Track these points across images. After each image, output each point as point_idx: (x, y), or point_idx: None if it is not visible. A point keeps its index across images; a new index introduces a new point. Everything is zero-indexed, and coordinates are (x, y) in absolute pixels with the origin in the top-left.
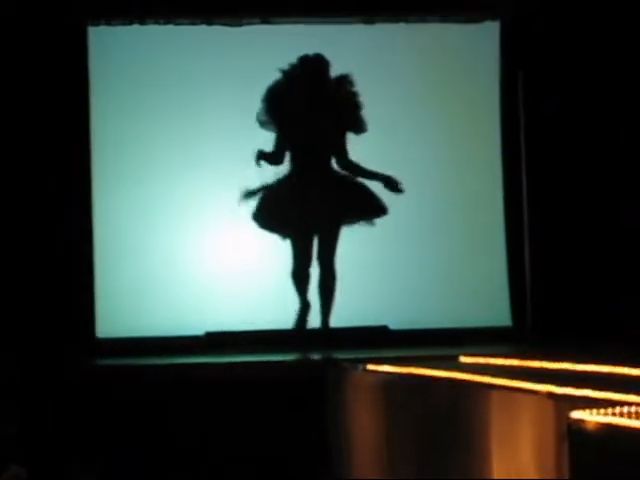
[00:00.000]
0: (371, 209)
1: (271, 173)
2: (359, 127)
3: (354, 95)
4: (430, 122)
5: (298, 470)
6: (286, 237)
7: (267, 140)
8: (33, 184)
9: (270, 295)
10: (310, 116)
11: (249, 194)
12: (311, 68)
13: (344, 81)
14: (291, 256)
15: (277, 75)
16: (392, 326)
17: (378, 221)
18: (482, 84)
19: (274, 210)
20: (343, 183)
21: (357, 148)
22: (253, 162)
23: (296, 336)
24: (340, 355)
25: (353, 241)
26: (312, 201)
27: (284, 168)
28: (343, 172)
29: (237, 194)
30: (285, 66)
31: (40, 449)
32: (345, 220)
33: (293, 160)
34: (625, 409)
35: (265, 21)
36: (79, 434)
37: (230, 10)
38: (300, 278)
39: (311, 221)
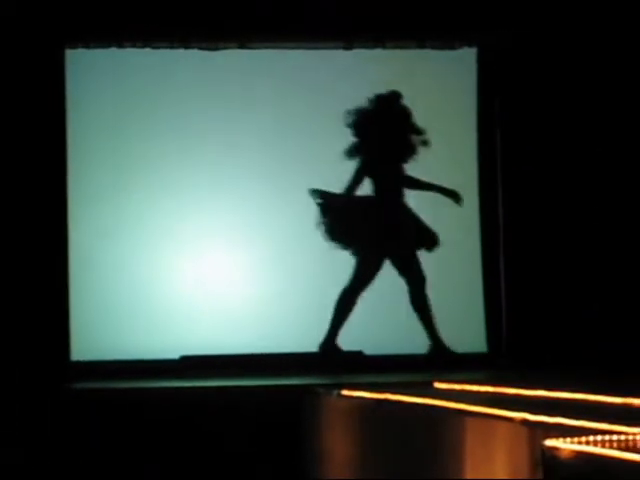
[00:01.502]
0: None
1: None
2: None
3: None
4: None
5: None
6: (354, 254)
7: (244, 162)
8: (8, 205)
9: (246, 319)
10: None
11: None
12: (385, 102)
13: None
14: (353, 275)
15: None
16: (367, 352)
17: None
18: (459, 109)
19: (349, 226)
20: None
21: (333, 172)
22: (231, 184)
23: (272, 360)
24: (315, 380)
25: (328, 267)
26: (388, 226)
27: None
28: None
29: (215, 217)
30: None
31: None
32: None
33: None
34: (599, 437)
35: (242, 46)
36: (53, 457)
37: (207, 34)
38: (349, 300)
39: (385, 244)
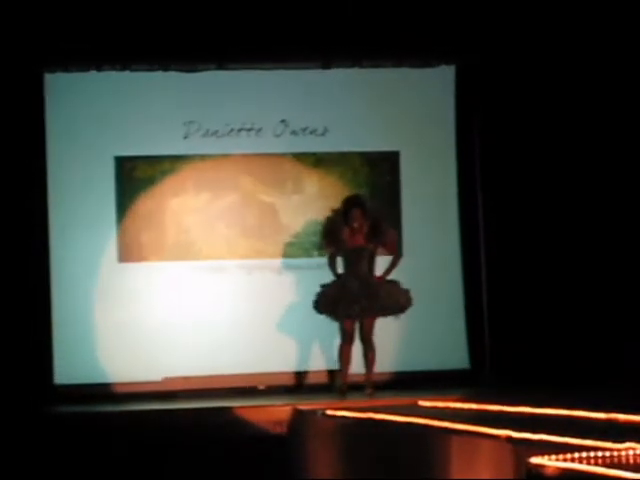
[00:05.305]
0: (390, 309)
1: None
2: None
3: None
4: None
5: None
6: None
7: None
8: None
9: (226, 341)
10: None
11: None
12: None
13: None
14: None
15: None
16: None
17: None
18: (438, 125)
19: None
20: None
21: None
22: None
23: (254, 381)
24: (298, 399)
25: (310, 285)
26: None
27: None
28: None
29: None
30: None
31: None
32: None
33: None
34: (584, 454)
35: (221, 67)
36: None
37: (186, 56)
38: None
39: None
